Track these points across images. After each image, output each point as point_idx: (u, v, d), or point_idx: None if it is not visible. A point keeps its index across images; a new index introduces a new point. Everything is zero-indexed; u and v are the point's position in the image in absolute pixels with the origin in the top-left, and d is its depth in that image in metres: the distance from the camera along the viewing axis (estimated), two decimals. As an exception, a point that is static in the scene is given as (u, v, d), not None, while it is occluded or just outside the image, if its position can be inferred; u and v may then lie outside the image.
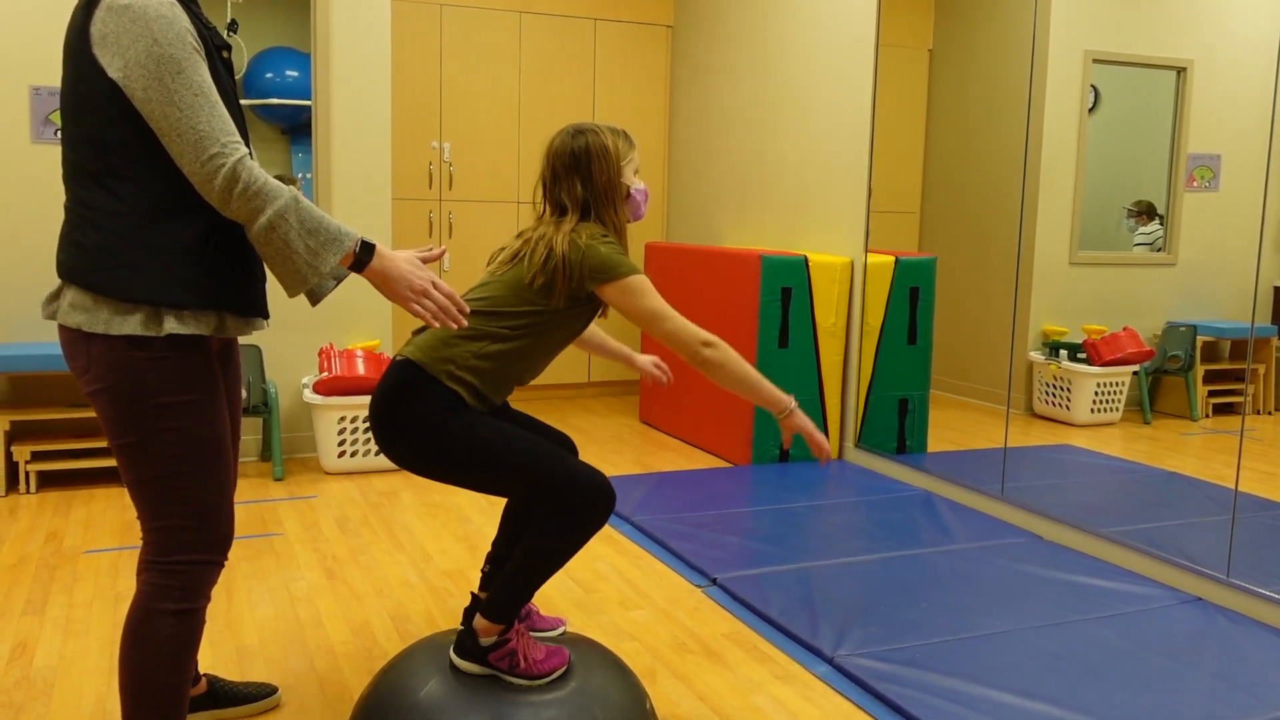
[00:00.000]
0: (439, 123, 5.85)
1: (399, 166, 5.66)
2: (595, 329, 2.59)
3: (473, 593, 2.44)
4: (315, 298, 1.95)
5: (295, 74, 4.99)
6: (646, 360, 2.66)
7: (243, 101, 4.41)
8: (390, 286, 1.87)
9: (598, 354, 2.64)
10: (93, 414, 4.14)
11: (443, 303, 1.89)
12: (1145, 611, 3.07)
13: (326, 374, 4.39)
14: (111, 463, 4.18)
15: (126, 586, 3.15)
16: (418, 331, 2.26)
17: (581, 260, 2.17)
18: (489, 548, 2.61)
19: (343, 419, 4.41)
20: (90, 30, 1.71)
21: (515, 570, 2.19)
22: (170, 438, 1.80)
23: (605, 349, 2.63)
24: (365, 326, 4.83)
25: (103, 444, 4.18)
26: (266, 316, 1.96)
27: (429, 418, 2.11)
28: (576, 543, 2.17)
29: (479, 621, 2.21)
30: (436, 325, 1.91)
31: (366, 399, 4.39)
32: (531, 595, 2.24)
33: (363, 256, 1.84)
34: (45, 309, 1.85)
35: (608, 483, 2.17)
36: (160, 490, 1.82)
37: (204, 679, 2.37)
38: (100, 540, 3.57)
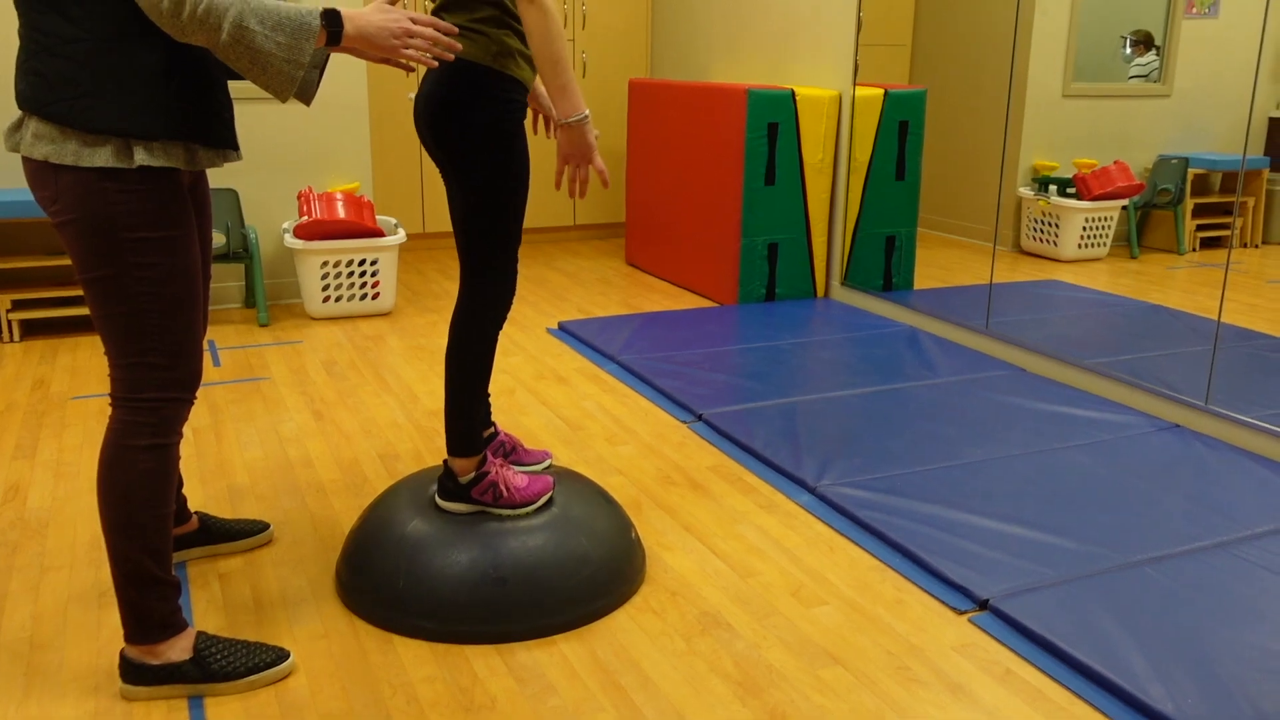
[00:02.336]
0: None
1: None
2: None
3: (446, 460, 2.40)
4: (306, 96, 1.90)
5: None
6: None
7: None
8: (372, 44, 1.83)
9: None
10: (63, 261, 4.09)
11: (430, 34, 1.86)
12: (1124, 438, 3.12)
13: (307, 218, 4.32)
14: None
15: (115, 430, 3.17)
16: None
17: None
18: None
19: (325, 263, 4.37)
20: None
21: (450, 391, 2.22)
22: (142, 273, 1.77)
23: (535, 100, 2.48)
24: (344, 169, 4.74)
25: (77, 292, 4.13)
26: (236, 148, 1.91)
27: (499, 120, 2.08)
28: (487, 332, 2.20)
29: (454, 461, 2.24)
30: (433, 64, 1.88)
31: (349, 243, 4.34)
32: (476, 404, 2.24)
33: (333, 29, 1.79)
34: (8, 140, 1.79)
35: (516, 272, 2.23)
36: (130, 326, 1.80)
37: (195, 516, 2.41)
38: (87, 386, 3.58)
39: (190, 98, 1.78)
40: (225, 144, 1.87)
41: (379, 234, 4.44)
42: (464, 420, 2.24)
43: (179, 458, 1.93)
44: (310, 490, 2.78)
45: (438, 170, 2.22)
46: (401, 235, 4.51)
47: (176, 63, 1.76)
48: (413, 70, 2.05)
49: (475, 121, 2.08)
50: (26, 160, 1.77)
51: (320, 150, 4.68)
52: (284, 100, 1.77)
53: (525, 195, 2.18)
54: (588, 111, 2.09)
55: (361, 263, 4.43)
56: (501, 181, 2.13)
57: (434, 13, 2.13)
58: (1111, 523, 2.57)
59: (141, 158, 1.73)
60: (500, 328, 2.25)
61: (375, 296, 4.50)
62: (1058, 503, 2.68)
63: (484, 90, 2.08)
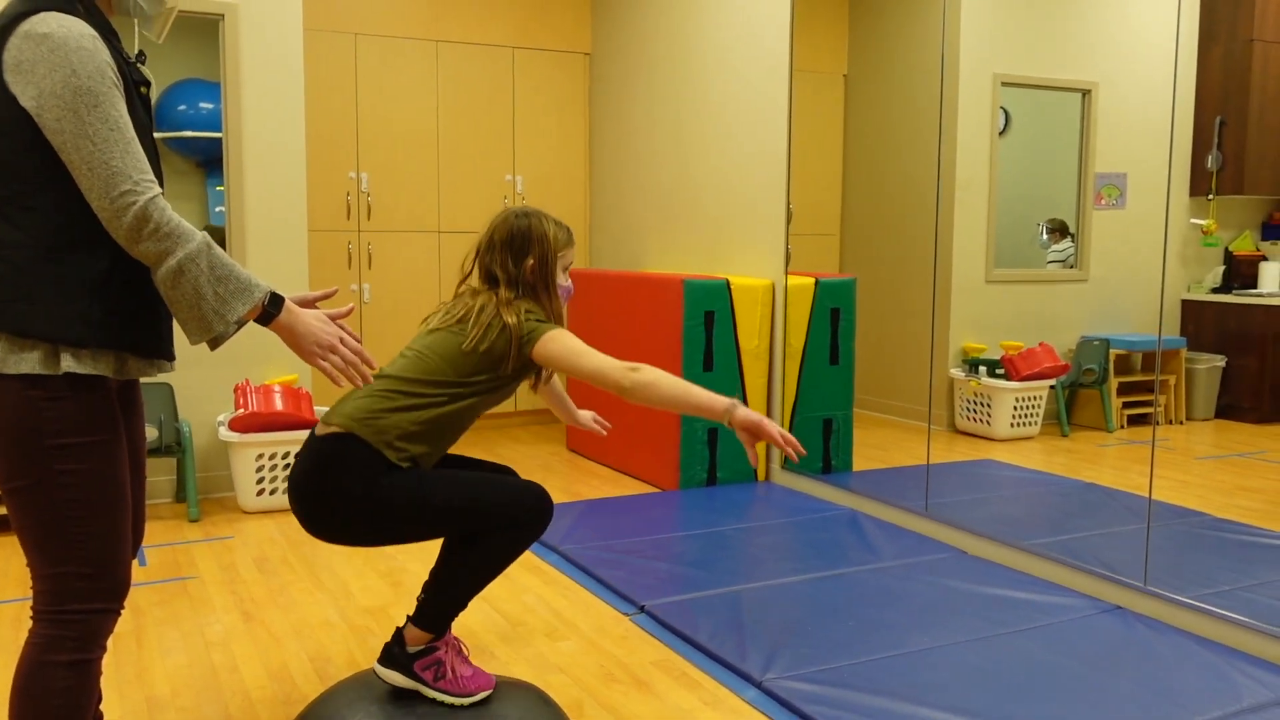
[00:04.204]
0: (356, 153, 5.78)
1: (316, 198, 5.58)
2: (557, 383, 2.64)
3: (400, 628, 2.37)
4: (216, 344, 1.90)
5: (209, 106, 4.89)
6: (586, 415, 2.70)
7: (155, 134, 4.32)
8: (297, 342, 1.87)
9: (553, 406, 2.69)
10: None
11: (350, 358, 1.90)
12: (1067, 622, 3.11)
13: (243, 410, 4.28)
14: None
15: (30, 638, 3.02)
16: (343, 399, 2.24)
17: (519, 329, 2.21)
18: (413, 582, 2.57)
19: (260, 456, 4.30)
20: (3, 57, 1.66)
21: (451, 577, 2.21)
22: (66, 480, 1.72)
23: (563, 405, 2.68)
24: (282, 362, 4.73)
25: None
26: (171, 359, 1.89)
27: (374, 482, 2.11)
28: (517, 551, 2.24)
29: (408, 630, 2.20)
30: (342, 382, 1.91)
31: (285, 435, 4.29)
32: (465, 604, 2.27)
33: (271, 310, 1.83)
34: None
35: (545, 491, 2.27)
36: (54, 536, 1.73)
37: None
38: (4, 591, 3.42)
39: (126, 309, 1.78)
40: (159, 355, 1.86)
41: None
42: (452, 603, 2.25)
43: (100, 673, 1.83)
44: (235, 698, 2.65)
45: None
46: (340, 426, 4.47)
47: (117, 274, 1.76)
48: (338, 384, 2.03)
49: (346, 499, 2.13)
50: None
51: (258, 343, 4.67)
52: (194, 343, 1.78)
53: (455, 487, 2.21)
54: (733, 402, 2.14)
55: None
56: (430, 516, 2.18)
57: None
58: (1060, 713, 2.53)
59: (68, 364, 1.71)
60: (537, 539, 2.30)
61: (311, 488, 4.42)
62: (1006, 692, 2.64)
63: (352, 470, 2.14)
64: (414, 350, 2.26)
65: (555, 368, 2.27)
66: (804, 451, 2.10)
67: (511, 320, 2.20)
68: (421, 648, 2.21)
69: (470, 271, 2.38)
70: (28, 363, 1.69)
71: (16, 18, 1.67)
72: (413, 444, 2.16)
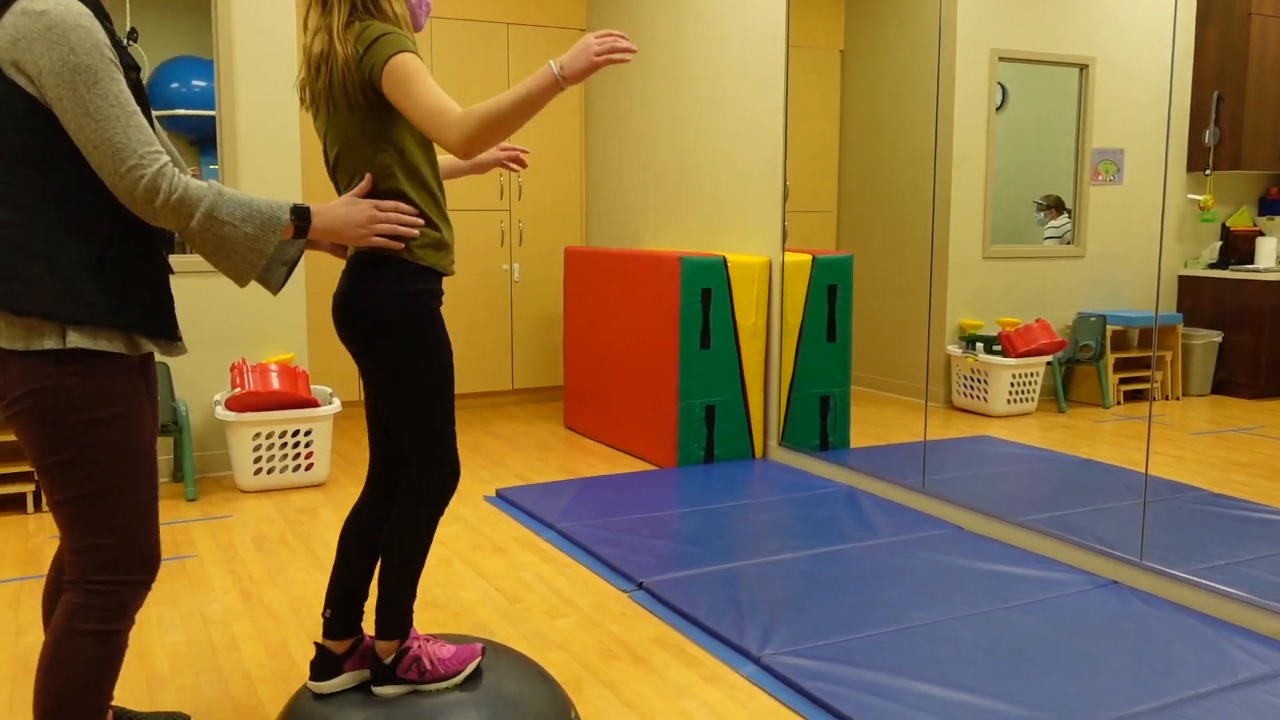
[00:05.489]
0: (351, 131, 5.75)
1: (311, 176, 5.55)
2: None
3: (316, 643, 2.29)
4: (273, 285, 1.96)
5: (202, 84, 4.86)
6: (489, 155, 2.45)
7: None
8: (341, 236, 1.96)
9: (459, 175, 2.45)
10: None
11: (394, 218, 1.99)
12: (1063, 597, 3.12)
13: (239, 389, 4.28)
14: (10, 490, 4.02)
15: (28, 619, 3.02)
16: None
17: (361, 55, 1.96)
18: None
19: (258, 435, 4.30)
20: None
21: (386, 576, 2.17)
22: (98, 454, 1.76)
23: (458, 170, 2.44)
24: (279, 340, 4.72)
25: None
26: (172, 339, 1.90)
27: (407, 314, 2.07)
28: (432, 523, 2.18)
29: (378, 645, 2.18)
30: (399, 245, 1.99)
31: (282, 414, 4.29)
32: (413, 594, 2.20)
33: (301, 223, 1.88)
34: None
35: (458, 461, 2.22)
36: (87, 509, 1.77)
37: (110, 711, 2.28)
38: (0, 571, 3.42)
39: (123, 289, 1.79)
40: (159, 334, 1.87)
41: (313, 404, 4.40)
42: (400, 602, 2.18)
43: (127, 645, 1.87)
44: (235, 676, 2.66)
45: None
46: (336, 405, 4.47)
47: (112, 255, 1.77)
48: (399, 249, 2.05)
49: (383, 317, 2.07)
50: None
51: (254, 322, 4.67)
52: (242, 285, 1.82)
53: (448, 383, 2.16)
54: (554, 66, 1.98)
55: (295, 433, 4.37)
56: (421, 372, 2.11)
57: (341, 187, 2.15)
58: (1057, 687, 2.54)
59: (75, 340, 1.73)
60: (444, 511, 2.21)
61: (309, 468, 4.43)
62: (1003, 667, 2.65)
63: (390, 283, 2.07)
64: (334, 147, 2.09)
65: (397, 105, 1.98)
66: (634, 48, 1.98)
67: (341, 51, 1.96)
68: (393, 655, 2.19)
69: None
70: (49, 340, 1.72)
71: None
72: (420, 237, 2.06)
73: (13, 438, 4.05)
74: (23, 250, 1.71)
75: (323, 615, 2.26)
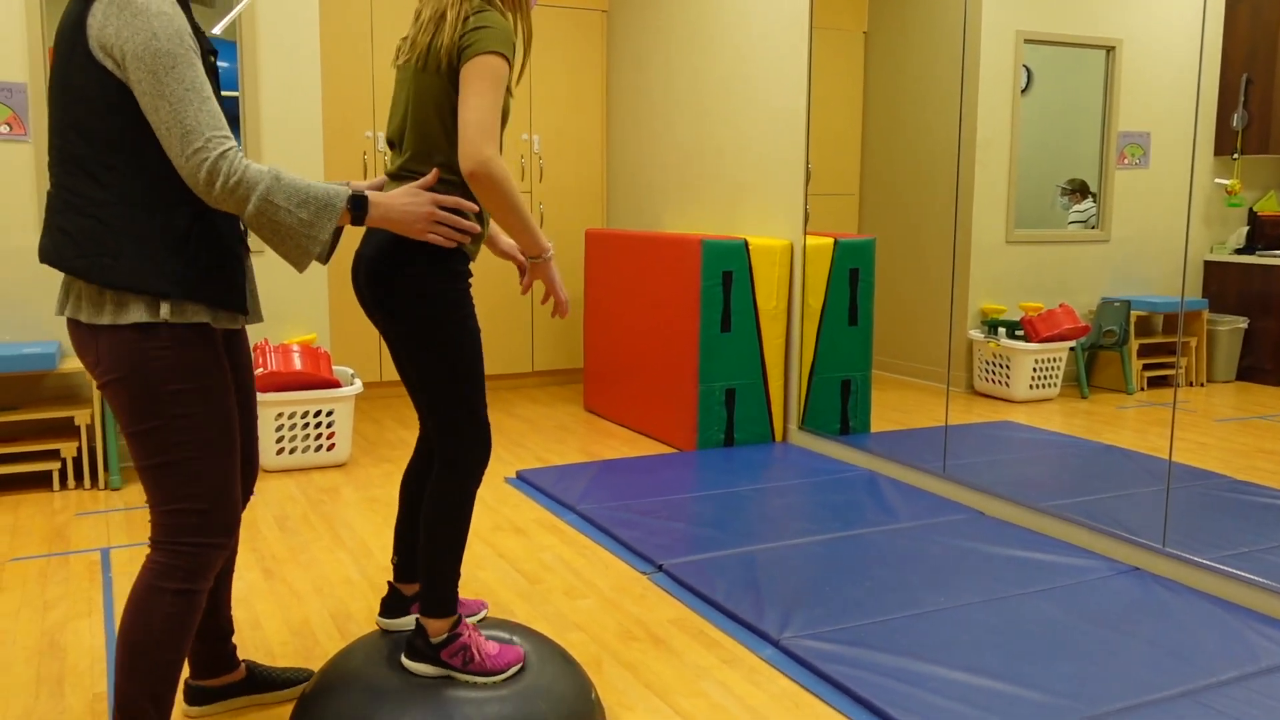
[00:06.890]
0: (372, 112, 5.76)
1: (334, 156, 5.57)
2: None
3: (389, 582, 2.45)
4: (323, 256, 1.98)
5: (225, 65, 4.87)
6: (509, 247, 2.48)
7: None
8: (397, 226, 1.97)
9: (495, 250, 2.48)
10: (10, 418, 4.05)
11: (453, 220, 2.00)
12: (1084, 583, 3.11)
13: (262, 369, 4.30)
14: (37, 467, 4.07)
15: (56, 594, 3.06)
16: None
17: (466, 32, 2.03)
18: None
19: (280, 415, 4.33)
20: (88, 22, 1.75)
21: (428, 553, 2.18)
22: (182, 424, 1.84)
23: (496, 246, 2.48)
24: (301, 320, 4.75)
25: (25, 448, 4.07)
26: (245, 312, 1.96)
27: (437, 284, 2.09)
28: (468, 498, 2.19)
29: (429, 622, 2.18)
30: (452, 244, 2.01)
31: (305, 394, 4.31)
32: (457, 574, 2.21)
33: (357, 213, 1.90)
34: (59, 306, 1.88)
35: (490, 433, 2.23)
36: (171, 475, 1.85)
37: (243, 665, 2.39)
38: (27, 547, 3.47)
39: (206, 265, 1.86)
40: (238, 308, 1.94)
41: (335, 385, 4.42)
42: (444, 582, 2.20)
43: (203, 606, 1.95)
44: (258, 654, 2.68)
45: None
46: (358, 386, 4.50)
47: (197, 232, 1.85)
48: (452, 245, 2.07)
49: (414, 289, 2.09)
50: (71, 323, 1.86)
51: (277, 302, 4.69)
52: (300, 270, 1.86)
53: (480, 357, 2.18)
54: (550, 250, 2.19)
55: (317, 414, 4.39)
56: (451, 342, 2.12)
57: (394, 177, 2.17)
58: (1076, 672, 2.54)
59: (165, 313, 1.81)
60: (480, 483, 2.23)
61: (331, 448, 4.45)
62: (1022, 652, 2.65)
63: (428, 259, 2.09)
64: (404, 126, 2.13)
65: (459, 91, 2.04)
66: (565, 315, 2.13)
67: (452, 17, 2.03)
68: (444, 636, 2.19)
69: None
70: (135, 313, 1.79)
71: None
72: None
73: (38, 416, 4.10)
74: (112, 228, 1.79)
75: (392, 561, 2.38)
